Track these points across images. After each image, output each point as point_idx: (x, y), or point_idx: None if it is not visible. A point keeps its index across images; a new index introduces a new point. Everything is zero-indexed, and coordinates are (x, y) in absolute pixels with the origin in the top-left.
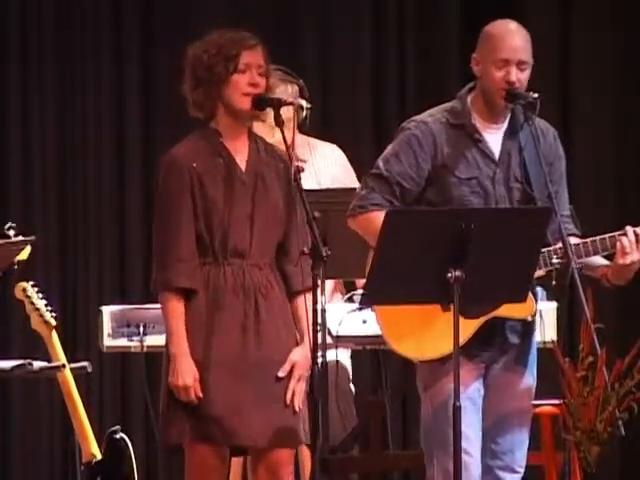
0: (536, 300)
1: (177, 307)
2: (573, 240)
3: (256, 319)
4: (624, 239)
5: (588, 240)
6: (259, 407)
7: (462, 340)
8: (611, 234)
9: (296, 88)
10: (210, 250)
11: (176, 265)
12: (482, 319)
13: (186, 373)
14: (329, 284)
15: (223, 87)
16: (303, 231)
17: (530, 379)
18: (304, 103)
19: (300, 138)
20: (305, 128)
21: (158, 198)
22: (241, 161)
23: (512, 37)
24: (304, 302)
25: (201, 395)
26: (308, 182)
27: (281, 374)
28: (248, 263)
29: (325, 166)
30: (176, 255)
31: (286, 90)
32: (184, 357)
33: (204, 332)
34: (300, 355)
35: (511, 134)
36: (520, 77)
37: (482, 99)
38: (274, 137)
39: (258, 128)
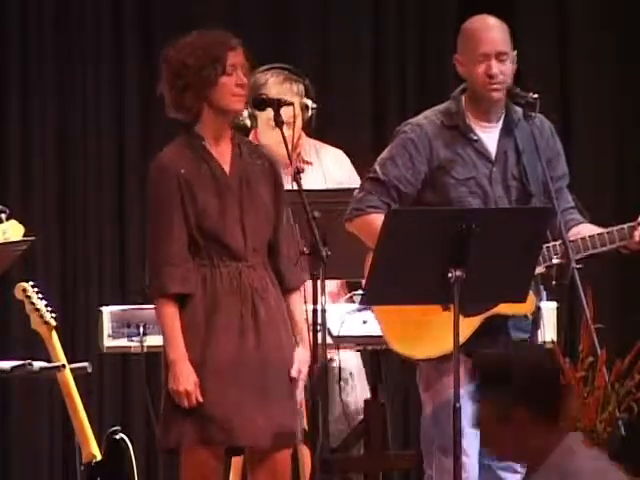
0: (540, 298)
1: (172, 313)
2: (587, 230)
3: (254, 320)
4: None
5: (604, 231)
6: (259, 407)
7: (462, 339)
8: (629, 224)
9: (302, 87)
10: (204, 253)
11: (169, 271)
12: (481, 317)
13: (186, 379)
14: (334, 286)
15: (211, 90)
16: (290, 228)
17: None
18: (310, 103)
19: (306, 140)
20: (311, 128)
21: (149, 205)
22: (225, 165)
23: (487, 31)
24: (298, 300)
25: (201, 400)
26: (317, 182)
27: (294, 374)
28: (243, 265)
29: (333, 168)
30: (169, 261)
31: (291, 89)
32: (183, 363)
33: (202, 334)
34: (304, 355)
35: (506, 132)
36: (502, 68)
37: (473, 98)
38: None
39: (261, 127)
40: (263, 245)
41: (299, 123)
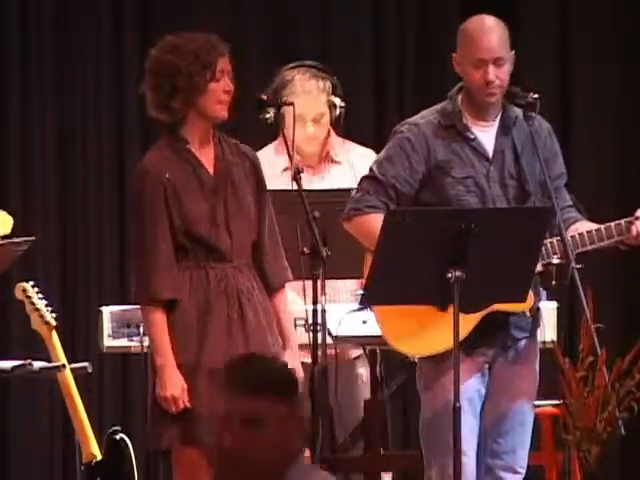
0: (540, 298)
1: (161, 319)
2: (585, 226)
3: (241, 321)
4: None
5: (602, 227)
6: None
7: (461, 336)
8: (626, 219)
9: (329, 85)
10: (191, 255)
11: (157, 277)
12: (480, 314)
13: (173, 384)
14: (355, 284)
15: (199, 96)
16: (274, 226)
17: (533, 378)
18: (338, 101)
19: (335, 138)
20: (340, 127)
21: (133, 210)
22: (209, 166)
23: (486, 35)
24: (283, 301)
25: (189, 405)
26: (347, 182)
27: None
28: (229, 266)
29: (363, 168)
30: (155, 267)
31: (318, 86)
32: (170, 368)
33: (194, 336)
34: (294, 361)
35: (504, 131)
36: (498, 74)
37: (469, 98)
38: (307, 132)
39: (288, 124)
40: (248, 246)
41: (326, 120)
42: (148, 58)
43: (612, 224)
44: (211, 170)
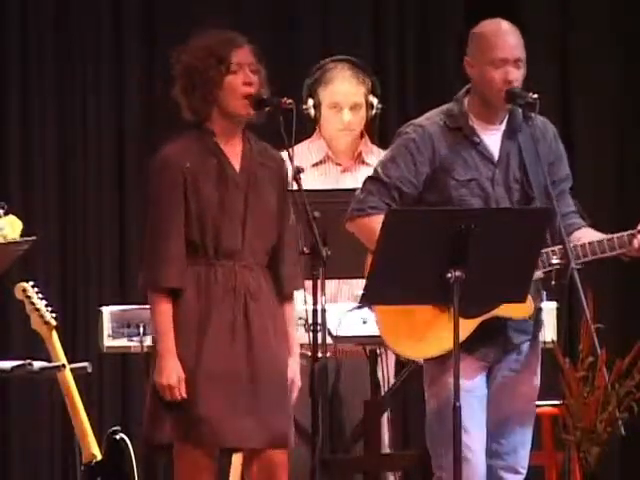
0: (541, 300)
1: (165, 307)
2: (588, 235)
3: (245, 322)
4: None
5: (604, 238)
6: (249, 410)
7: (461, 338)
8: (629, 232)
9: (369, 81)
10: (201, 250)
11: (165, 266)
12: (480, 319)
13: (171, 372)
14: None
15: (218, 90)
16: (295, 231)
17: (534, 380)
18: (375, 102)
19: (370, 144)
20: (374, 128)
21: (149, 198)
22: (235, 162)
23: (507, 35)
24: (291, 309)
25: (185, 395)
26: None
27: (294, 395)
28: (239, 264)
29: None
30: (165, 256)
31: (357, 77)
32: (170, 356)
33: (194, 334)
34: (296, 369)
35: (510, 135)
36: (517, 75)
37: (479, 101)
38: (343, 119)
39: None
40: (263, 246)
41: (363, 114)
42: (173, 59)
43: (614, 236)
44: (237, 166)
